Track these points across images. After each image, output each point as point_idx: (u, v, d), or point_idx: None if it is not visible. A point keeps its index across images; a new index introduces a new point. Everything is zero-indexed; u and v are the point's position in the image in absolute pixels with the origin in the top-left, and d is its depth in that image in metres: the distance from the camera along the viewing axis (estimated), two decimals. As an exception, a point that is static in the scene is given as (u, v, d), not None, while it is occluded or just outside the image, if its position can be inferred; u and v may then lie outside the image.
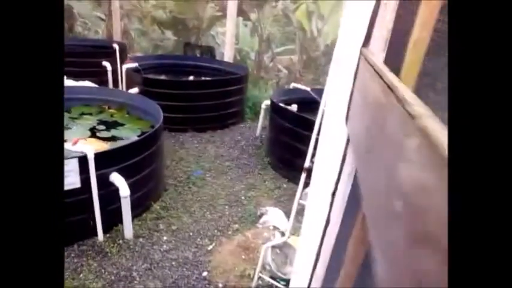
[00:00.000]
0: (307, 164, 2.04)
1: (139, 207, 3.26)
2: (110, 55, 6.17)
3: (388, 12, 0.95)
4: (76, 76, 5.34)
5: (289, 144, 4.01)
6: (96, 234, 2.92)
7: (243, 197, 3.74)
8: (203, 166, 4.23)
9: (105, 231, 2.97)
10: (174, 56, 6.40)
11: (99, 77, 5.94)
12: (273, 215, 3.33)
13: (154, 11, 9.47)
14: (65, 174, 2.64)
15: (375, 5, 1.08)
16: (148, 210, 3.34)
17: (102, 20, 8.73)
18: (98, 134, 3.60)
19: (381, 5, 1.03)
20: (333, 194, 1.34)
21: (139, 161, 3.09)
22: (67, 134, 3.53)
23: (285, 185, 3.99)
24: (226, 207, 3.56)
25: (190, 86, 4.99)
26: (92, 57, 5.99)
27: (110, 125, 3.83)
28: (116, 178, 2.84)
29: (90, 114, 4.02)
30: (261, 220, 3.35)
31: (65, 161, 2.62)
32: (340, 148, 1.27)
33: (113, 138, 3.57)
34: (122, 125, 3.88)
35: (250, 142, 4.97)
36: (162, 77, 5.85)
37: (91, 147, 2.68)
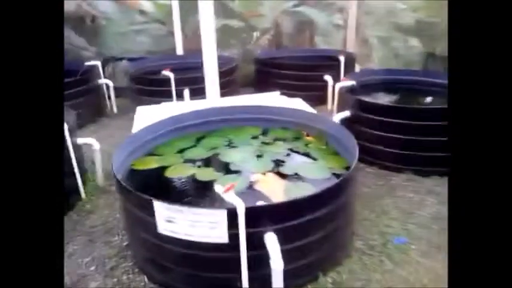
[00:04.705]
0: None
1: (304, 276, 2.52)
2: (334, 68, 5.64)
3: None
4: (294, 90, 5.05)
5: None
6: (243, 300, 2.38)
7: (461, 303, 2.39)
8: (411, 231, 3.05)
9: (255, 298, 2.40)
10: (408, 71, 5.17)
11: (320, 92, 5.51)
12: None
13: (406, 15, 8.36)
14: (212, 225, 2.19)
15: None
16: (316, 282, 2.55)
17: (342, 27, 8.33)
18: (280, 169, 3.05)
19: None
20: None
21: (308, 222, 2.34)
22: (249, 163, 3.15)
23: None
24: (428, 312, 2.34)
25: (412, 114, 3.74)
26: (314, 70, 5.59)
27: (300, 158, 3.23)
28: (270, 240, 2.19)
29: (284, 140, 3.53)
30: None
31: (213, 211, 2.18)
32: None
33: (296, 176, 2.95)
34: (314, 159, 3.20)
35: (496, 205, 3.34)
36: (382, 100, 4.78)
37: (238, 199, 2.11)
